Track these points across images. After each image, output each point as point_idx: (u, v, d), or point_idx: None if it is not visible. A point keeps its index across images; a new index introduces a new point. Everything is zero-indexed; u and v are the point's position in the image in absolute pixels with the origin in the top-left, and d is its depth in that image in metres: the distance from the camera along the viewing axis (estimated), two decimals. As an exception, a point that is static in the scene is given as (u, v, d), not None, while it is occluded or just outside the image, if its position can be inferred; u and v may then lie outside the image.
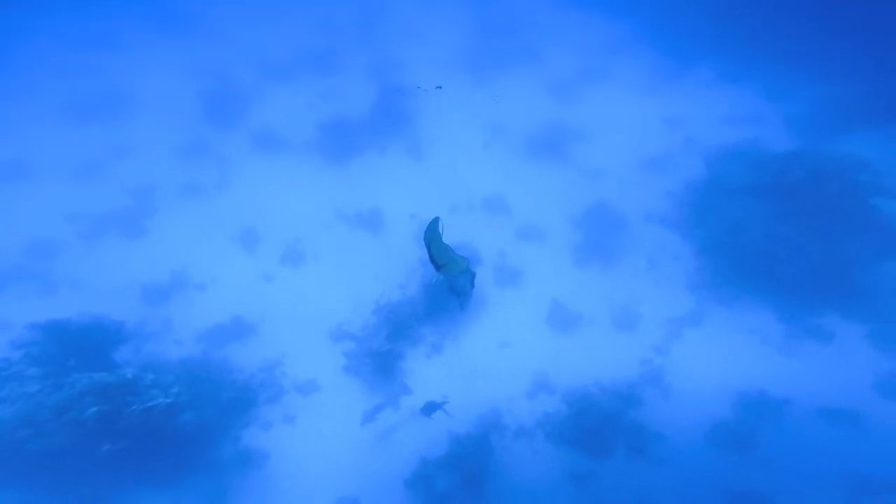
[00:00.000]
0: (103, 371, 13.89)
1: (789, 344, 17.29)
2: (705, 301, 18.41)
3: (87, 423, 12.47)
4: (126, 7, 29.73)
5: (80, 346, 14.93)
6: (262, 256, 20.34)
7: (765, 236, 17.57)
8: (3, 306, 18.15)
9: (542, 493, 15.01)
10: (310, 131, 24.74)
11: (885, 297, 17.11)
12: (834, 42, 25.52)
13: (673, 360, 17.36)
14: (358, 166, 23.38)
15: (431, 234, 15.97)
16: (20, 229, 20.25)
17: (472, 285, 17.93)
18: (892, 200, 17.58)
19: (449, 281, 17.65)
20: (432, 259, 15.83)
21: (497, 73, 27.04)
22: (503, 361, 17.63)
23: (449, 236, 20.00)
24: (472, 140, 24.33)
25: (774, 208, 17.96)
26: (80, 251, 19.97)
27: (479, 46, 28.43)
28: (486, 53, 28.03)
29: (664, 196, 21.47)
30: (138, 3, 29.92)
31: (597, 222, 20.92)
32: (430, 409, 16.27)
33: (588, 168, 22.89)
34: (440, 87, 25.63)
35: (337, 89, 26.37)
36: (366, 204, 21.90)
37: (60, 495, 13.32)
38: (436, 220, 16.21)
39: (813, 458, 15.06)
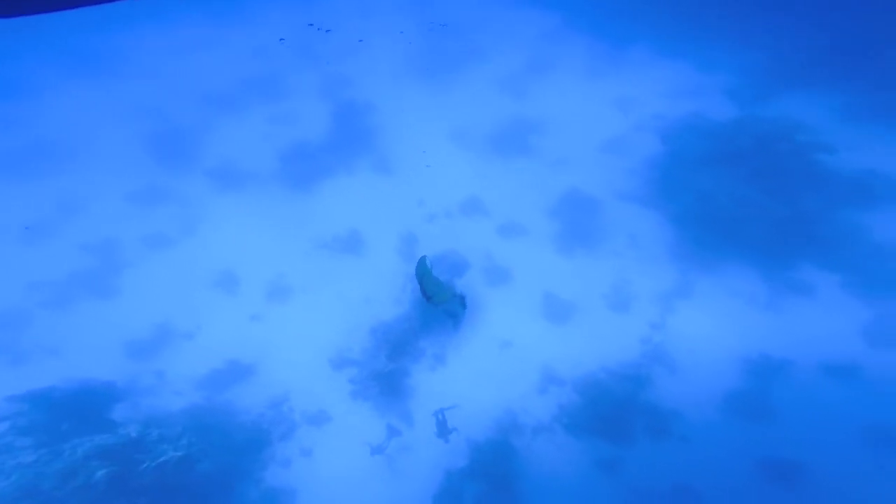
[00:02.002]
0: (104, 433, 13.36)
1: (775, 301, 17.31)
2: (690, 271, 18.34)
3: (98, 487, 12.04)
4: (32, 51, 26.77)
5: (70, 410, 14.16)
6: (245, 297, 19.00)
7: (731, 201, 17.76)
8: None
9: (572, 486, 14.64)
10: (270, 161, 23.45)
11: (852, 245, 17.30)
12: (755, 11, 26.95)
13: (672, 334, 17.18)
14: (327, 190, 22.36)
15: (422, 271, 16.83)
16: None
17: (464, 307, 17.96)
18: (831, 155, 18.59)
19: (441, 307, 17.57)
20: (424, 292, 16.72)
21: (448, 77, 26.67)
22: (508, 361, 17.14)
23: (433, 246, 19.59)
24: (438, 147, 23.99)
25: (733, 174, 18.21)
26: (48, 320, 18.05)
27: (425, 52, 27.60)
28: (433, 58, 27.26)
29: (628, 175, 21.34)
30: (45, 47, 26.88)
31: (572, 209, 20.62)
32: (442, 428, 15.77)
33: (553, 158, 22.45)
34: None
35: (289, 114, 24.94)
36: (342, 227, 20.84)
37: None
38: (423, 259, 17.16)
39: (829, 416, 14.94)
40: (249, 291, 19.23)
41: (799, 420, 15.06)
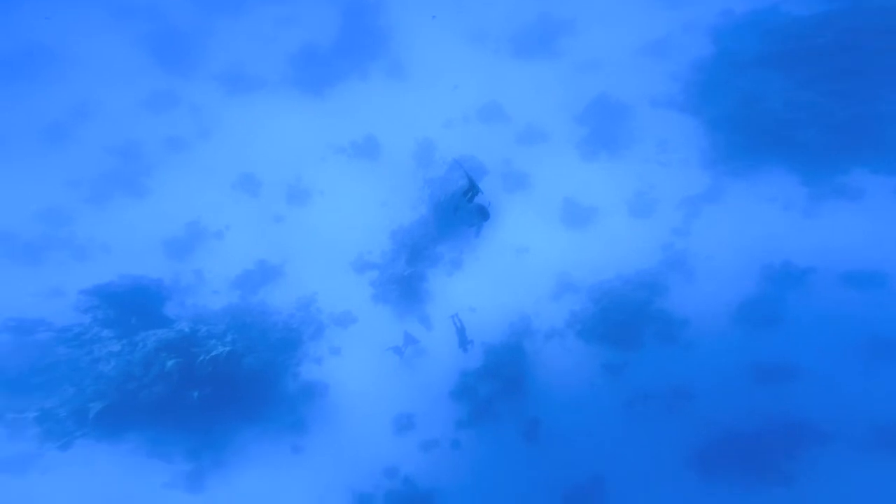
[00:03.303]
0: (163, 327, 14.46)
1: (815, 206, 16.17)
2: (722, 176, 17.09)
3: (172, 375, 13.27)
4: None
5: (134, 306, 15.31)
6: (267, 198, 18.95)
7: (783, 104, 15.74)
8: (49, 274, 17.68)
9: (578, 387, 14.91)
10: (280, 65, 22.03)
11: None
12: None
13: (694, 240, 16.39)
14: (341, 95, 21.16)
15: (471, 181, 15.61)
16: (22, 200, 18.96)
17: (488, 216, 17.37)
18: None
19: (466, 213, 17.05)
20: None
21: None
22: (524, 266, 16.87)
23: (449, 152, 18.91)
24: (456, 49, 22.17)
25: (793, 76, 15.81)
26: (94, 216, 18.82)
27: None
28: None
29: (668, 79, 19.22)
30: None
31: (600, 115, 18.91)
32: (462, 339, 15.39)
33: (583, 61, 20.24)
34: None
35: (294, 15, 23.06)
36: (359, 132, 19.80)
37: (182, 433, 14.36)
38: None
39: (836, 325, 14.48)
40: (271, 193, 19.09)
41: (804, 328, 14.66)
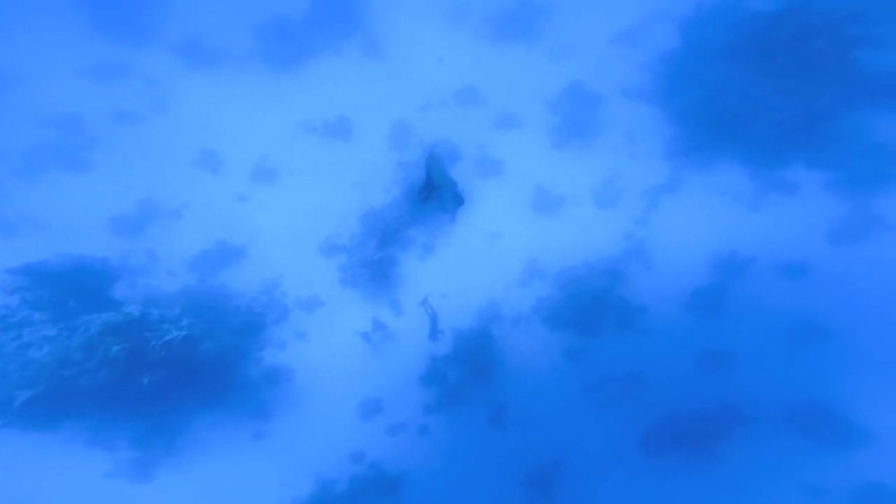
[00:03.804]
0: (109, 311, 13.27)
1: (758, 199, 16.92)
2: (681, 168, 17.63)
3: (118, 361, 12.31)
4: None
5: (72, 287, 13.95)
6: (230, 177, 17.92)
7: (740, 98, 16.29)
8: None
9: (541, 372, 15.17)
10: (245, 39, 20.93)
11: (848, 145, 16.41)
12: None
13: (653, 230, 16.90)
14: (312, 72, 20.28)
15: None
16: None
17: (462, 202, 17.25)
18: (877, 51, 16.61)
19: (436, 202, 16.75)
20: (429, 181, 15.29)
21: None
22: (495, 252, 16.92)
23: (426, 134, 18.60)
24: (434, 29, 21.75)
25: (752, 69, 16.17)
26: (25, 191, 17.05)
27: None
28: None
29: (639, 69, 19.61)
30: None
31: (573, 102, 19.06)
32: (434, 330, 15.29)
33: (559, 47, 20.25)
34: None
35: (263, -17, 22.25)
36: (330, 111, 19.17)
37: (129, 420, 13.43)
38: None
39: (770, 313, 15.34)
40: (234, 172, 18.10)
41: (743, 315, 15.48)
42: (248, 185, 17.88)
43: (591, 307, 15.68)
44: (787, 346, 14.81)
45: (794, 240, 16.28)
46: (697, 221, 17.07)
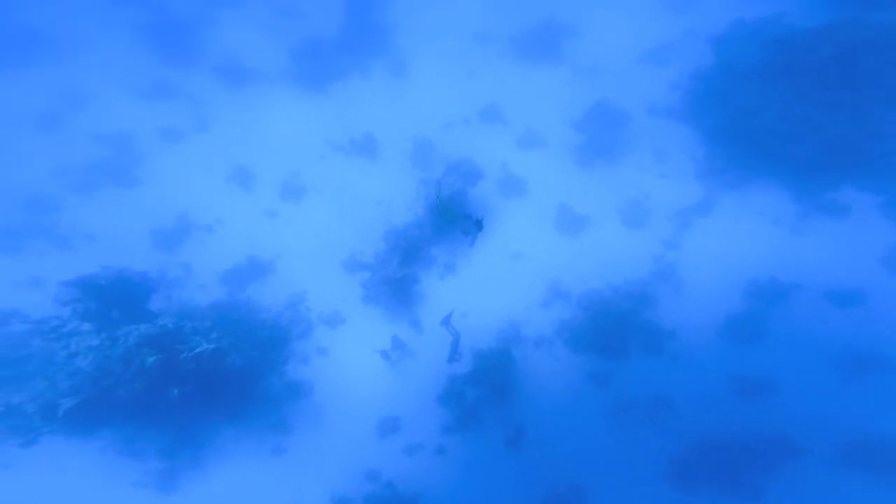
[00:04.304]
0: (145, 322, 13.92)
1: (802, 223, 16.02)
2: (715, 188, 16.85)
3: (152, 372, 12.81)
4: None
5: (116, 299, 14.69)
6: (260, 194, 18.54)
7: (779, 117, 15.34)
8: (29, 263, 17.18)
9: (563, 395, 14.73)
10: (281, 59, 21.83)
11: None
12: None
13: (684, 252, 16.20)
14: (341, 91, 20.94)
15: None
16: (7, 188, 18.42)
17: (481, 228, 17.25)
18: None
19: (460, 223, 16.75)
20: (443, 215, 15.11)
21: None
22: (517, 272, 16.62)
23: (448, 153, 18.66)
24: (459, 49, 21.93)
25: (791, 88, 15.39)
26: (79, 205, 18.27)
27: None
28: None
29: (668, 87, 18.96)
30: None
31: (598, 121, 18.58)
32: (454, 354, 14.96)
33: (584, 66, 19.90)
34: None
35: (297, 9, 22.86)
36: (358, 130, 19.61)
37: (158, 431, 13.95)
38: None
39: (816, 341, 14.44)
40: (264, 188, 18.70)
41: (786, 343, 14.59)
42: (278, 201, 18.47)
43: (616, 330, 15.16)
44: (838, 375, 13.85)
45: (844, 265, 15.26)
46: (733, 244, 16.22)
